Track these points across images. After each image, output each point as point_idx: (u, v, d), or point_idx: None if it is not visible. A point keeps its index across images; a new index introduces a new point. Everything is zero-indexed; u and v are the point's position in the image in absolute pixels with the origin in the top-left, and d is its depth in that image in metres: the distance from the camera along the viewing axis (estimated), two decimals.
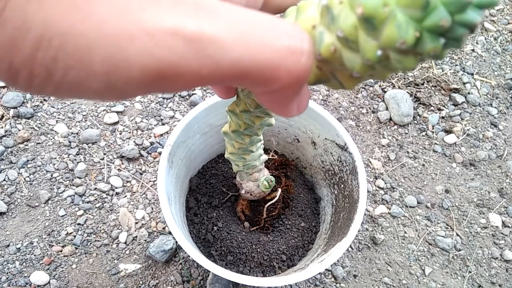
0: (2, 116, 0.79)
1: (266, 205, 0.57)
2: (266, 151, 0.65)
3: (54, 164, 0.75)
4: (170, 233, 0.70)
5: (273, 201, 0.55)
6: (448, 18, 0.12)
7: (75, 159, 0.76)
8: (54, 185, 0.73)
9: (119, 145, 0.78)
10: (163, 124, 0.83)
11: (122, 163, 0.77)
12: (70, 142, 0.77)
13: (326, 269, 0.71)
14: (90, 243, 0.69)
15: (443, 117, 0.92)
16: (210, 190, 0.63)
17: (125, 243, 0.69)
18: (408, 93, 0.93)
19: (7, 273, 0.65)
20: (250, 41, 0.14)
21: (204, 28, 0.13)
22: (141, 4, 0.13)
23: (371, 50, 0.14)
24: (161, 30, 0.12)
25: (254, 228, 0.60)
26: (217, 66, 0.13)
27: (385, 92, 0.93)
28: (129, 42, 0.12)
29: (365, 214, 0.77)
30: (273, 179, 0.52)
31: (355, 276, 0.70)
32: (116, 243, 0.69)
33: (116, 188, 0.74)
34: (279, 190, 0.57)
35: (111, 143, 0.79)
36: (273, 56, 0.14)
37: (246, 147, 0.42)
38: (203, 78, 0.14)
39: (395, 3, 0.13)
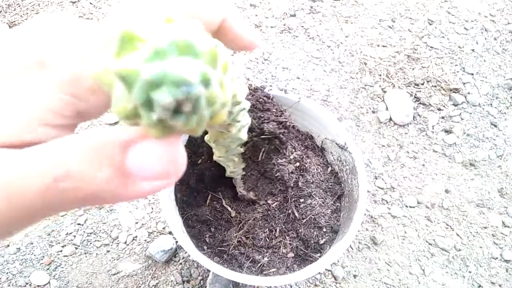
0: None
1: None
2: None
3: None
4: (170, 233, 0.70)
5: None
6: (140, 97, 0.12)
7: None
8: None
9: None
10: None
11: None
12: None
13: (326, 269, 0.71)
14: (90, 243, 0.69)
15: (443, 117, 0.92)
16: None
17: (125, 243, 0.69)
18: (408, 93, 0.93)
19: (7, 273, 0.65)
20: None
21: None
22: None
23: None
24: None
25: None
26: None
27: (385, 92, 0.93)
28: None
29: (365, 214, 0.77)
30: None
31: (355, 276, 0.70)
32: (116, 243, 0.69)
33: None
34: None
35: None
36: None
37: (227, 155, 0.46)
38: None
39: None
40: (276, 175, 0.52)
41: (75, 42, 0.16)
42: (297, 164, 0.55)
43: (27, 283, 0.64)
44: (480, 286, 0.72)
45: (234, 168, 0.50)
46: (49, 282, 0.65)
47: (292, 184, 0.53)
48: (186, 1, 0.16)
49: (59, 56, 0.16)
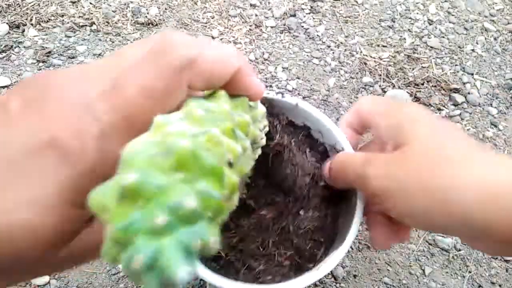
0: None
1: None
2: None
3: None
4: None
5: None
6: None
7: None
8: None
9: None
10: None
11: None
12: None
13: None
14: None
15: (443, 117, 0.92)
16: None
17: None
18: (408, 93, 0.93)
19: None
20: None
21: None
22: None
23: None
24: None
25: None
26: None
27: (385, 92, 0.93)
28: None
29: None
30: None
31: (355, 276, 0.70)
32: None
33: None
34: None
35: None
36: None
37: None
38: None
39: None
40: (291, 185, 0.51)
41: (88, 117, 0.14)
42: (314, 173, 0.54)
43: (27, 283, 0.64)
44: (480, 286, 0.72)
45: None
46: (49, 282, 0.65)
47: (305, 194, 0.52)
48: (205, 59, 0.17)
49: (73, 137, 0.13)
